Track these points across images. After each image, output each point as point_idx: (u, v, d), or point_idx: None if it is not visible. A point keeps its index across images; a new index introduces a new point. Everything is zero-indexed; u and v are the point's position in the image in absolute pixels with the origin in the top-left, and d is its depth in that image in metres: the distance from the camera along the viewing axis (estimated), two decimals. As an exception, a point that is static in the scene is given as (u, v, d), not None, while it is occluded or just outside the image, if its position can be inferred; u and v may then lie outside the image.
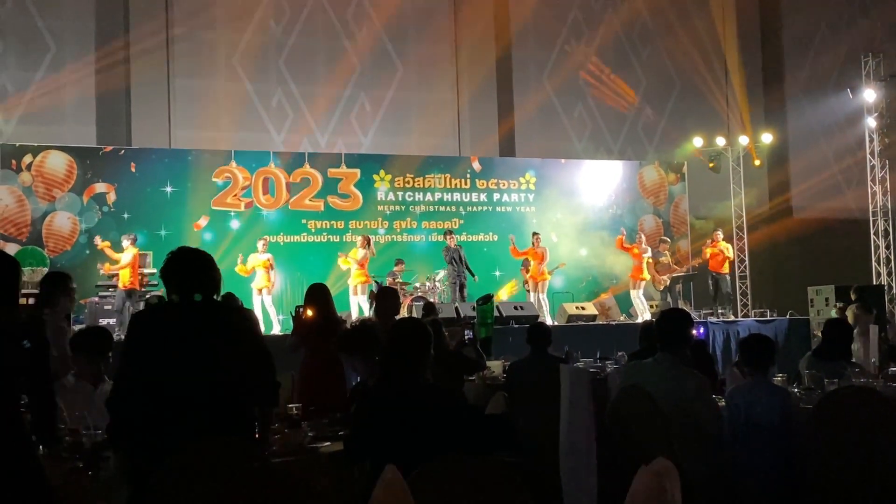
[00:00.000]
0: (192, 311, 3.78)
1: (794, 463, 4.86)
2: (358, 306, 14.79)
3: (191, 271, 3.85)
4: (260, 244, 14.79)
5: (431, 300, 14.98)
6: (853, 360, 6.70)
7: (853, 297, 12.53)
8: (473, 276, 15.30)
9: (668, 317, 5.28)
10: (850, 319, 10.44)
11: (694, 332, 5.73)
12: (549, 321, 15.17)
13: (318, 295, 6.82)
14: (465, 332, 10.45)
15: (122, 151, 15.86)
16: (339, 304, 14.37)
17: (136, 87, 16.58)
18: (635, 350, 7.06)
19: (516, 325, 13.04)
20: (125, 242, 13.94)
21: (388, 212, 17.16)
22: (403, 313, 14.60)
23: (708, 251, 16.38)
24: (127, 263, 13.66)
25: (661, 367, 4.86)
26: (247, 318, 4.10)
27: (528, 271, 15.99)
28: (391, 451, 3.39)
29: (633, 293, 15.99)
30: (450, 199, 17.57)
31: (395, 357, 3.90)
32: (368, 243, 15.09)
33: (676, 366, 4.88)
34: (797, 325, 15.21)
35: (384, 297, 6.98)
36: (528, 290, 15.95)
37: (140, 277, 13.95)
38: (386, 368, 3.99)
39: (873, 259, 18.70)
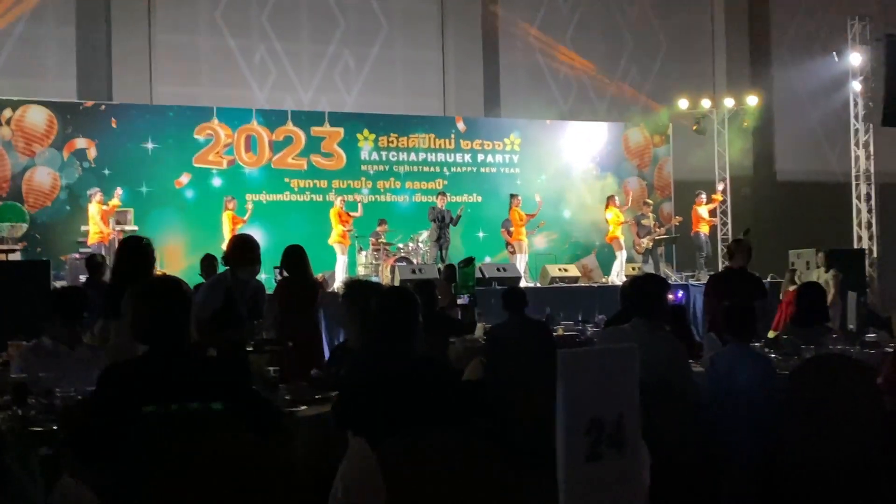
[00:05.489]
0: (176, 371, 3.38)
1: (772, 430, 4.89)
2: (344, 265, 14.79)
3: (169, 313, 3.47)
4: (230, 204, 14.70)
5: (415, 261, 15.02)
6: (829, 324, 6.72)
7: (818, 263, 12.47)
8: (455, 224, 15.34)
9: (641, 282, 5.28)
10: (830, 284, 10.50)
11: (671, 296, 5.74)
12: (530, 283, 15.23)
13: (295, 257, 6.79)
14: (463, 293, 10.48)
15: (103, 107, 15.67)
16: (327, 263, 14.46)
17: (118, 42, 16.36)
18: (616, 312, 7.07)
19: (499, 287, 13.05)
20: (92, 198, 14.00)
21: (371, 171, 17.07)
22: (386, 274, 14.62)
23: (704, 209, 16.49)
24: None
25: (637, 333, 4.86)
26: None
27: (509, 233, 16.01)
28: (376, 420, 3.40)
29: (618, 254, 16.04)
30: (434, 160, 17.49)
31: (382, 326, 3.89)
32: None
33: (652, 332, 4.88)
34: (778, 287, 15.28)
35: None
36: (512, 252, 15.96)
37: (116, 234, 13.94)
38: (373, 336, 3.98)
39: (855, 223, 18.79)
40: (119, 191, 14.45)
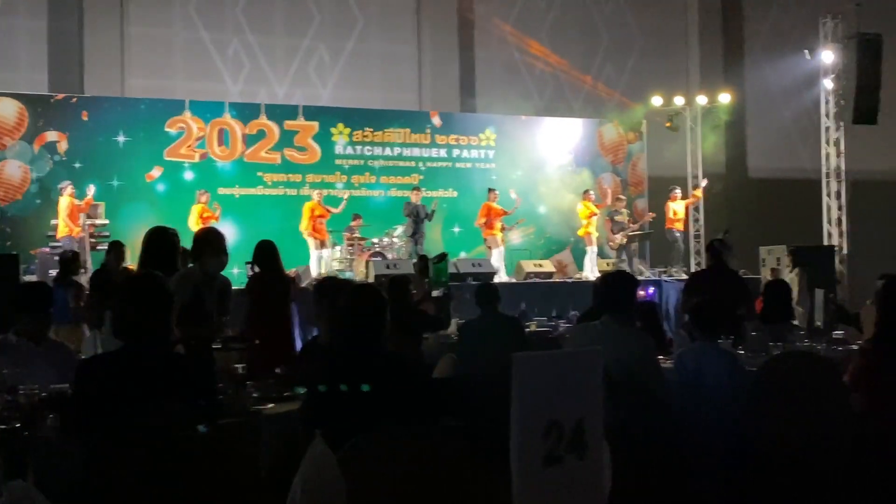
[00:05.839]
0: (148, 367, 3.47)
1: (739, 426, 4.93)
2: (318, 260, 14.75)
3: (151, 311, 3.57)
4: (203, 197, 14.59)
5: (390, 256, 15.00)
6: (795, 321, 6.78)
7: (788, 259, 12.56)
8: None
9: (610, 280, 5.32)
10: (794, 282, 10.56)
11: (641, 293, 5.78)
12: (505, 278, 15.26)
13: (267, 252, 6.76)
14: (437, 289, 10.46)
15: (75, 99, 15.52)
16: (301, 258, 14.40)
17: (90, 34, 16.20)
18: (588, 307, 7.09)
19: (474, 283, 13.04)
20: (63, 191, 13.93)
21: (346, 166, 17.01)
22: (361, 269, 14.59)
23: (680, 206, 16.61)
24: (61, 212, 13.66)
25: (607, 330, 4.89)
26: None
27: (489, 227, 15.96)
28: (342, 419, 3.39)
29: (588, 249, 16.10)
30: (409, 155, 17.46)
31: (349, 323, 3.88)
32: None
33: (622, 328, 4.91)
34: (748, 283, 15.37)
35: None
36: (489, 248, 15.93)
37: (86, 229, 13.85)
38: (341, 334, 3.97)
39: (825, 220, 18.95)
40: (92, 188, 14.27)
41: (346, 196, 15.86)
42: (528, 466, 2.26)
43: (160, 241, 5.49)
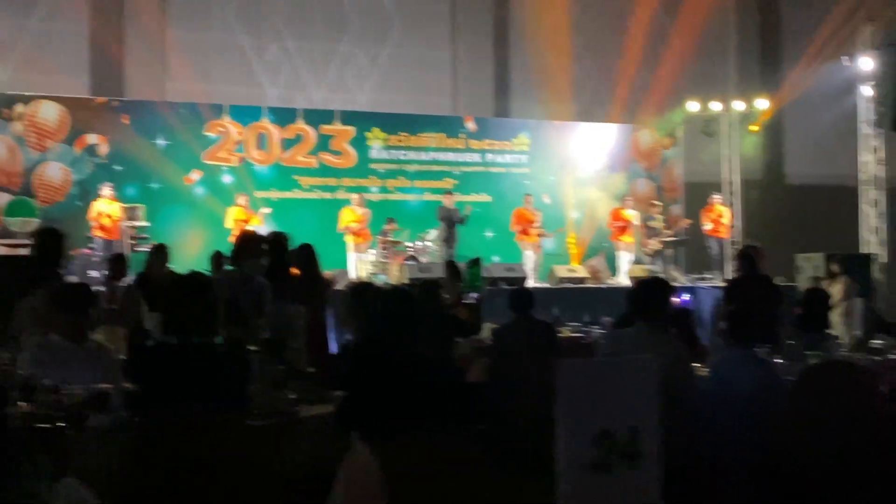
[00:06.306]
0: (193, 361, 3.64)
1: (774, 436, 4.89)
2: (355, 264, 14.83)
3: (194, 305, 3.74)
4: (242, 200, 14.81)
5: (423, 260, 15.03)
6: (831, 331, 6.72)
7: (836, 268, 12.42)
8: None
9: (645, 286, 5.30)
10: (839, 291, 10.45)
11: (675, 299, 5.76)
12: (536, 283, 15.23)
13: (305, 255, 6.82)
14: (470, 293, 10.48)
15: (115, 103, 15.73)
16: (336, 261, 14.49)
17: (131, 38, 16.41)
18: (622, 313, 7.07)
19: (507, 287, 13.05)
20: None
21: (381, 170, 17.10)
22: (394, 273, 14.64)
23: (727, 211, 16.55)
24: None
25: (641, 336, 4.88)
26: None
27: (524, 233, 15.97)
28: (378, 421, 3.42)
29: (619, 255, 16.07)
30: (443, 159, 17.51)
31: (382, 326, 3.92)
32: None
33: (655, 335, 4.90)
34: (785, 292, 15.23)
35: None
36: (525, 251, 15.96)
37: (125, 230, 14.04)
38: (374, 337, 4.01)
39: (863, 228, 18.73)
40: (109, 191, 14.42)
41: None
42: (575, 472, 2.28)
43: (281, 247, 6.10)
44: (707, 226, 16.60)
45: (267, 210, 15.00)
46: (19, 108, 15.00)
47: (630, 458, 2.39)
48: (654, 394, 2.49)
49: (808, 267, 15.42)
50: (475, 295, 10.78)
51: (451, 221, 15.22)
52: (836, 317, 11.33)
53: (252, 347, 5.27)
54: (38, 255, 5.92)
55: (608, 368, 2.48)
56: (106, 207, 13.99)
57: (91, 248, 13.92)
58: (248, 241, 5.95)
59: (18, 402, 3.97)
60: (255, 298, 5.74)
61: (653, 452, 2.45)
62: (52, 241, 5.94)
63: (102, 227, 13.86)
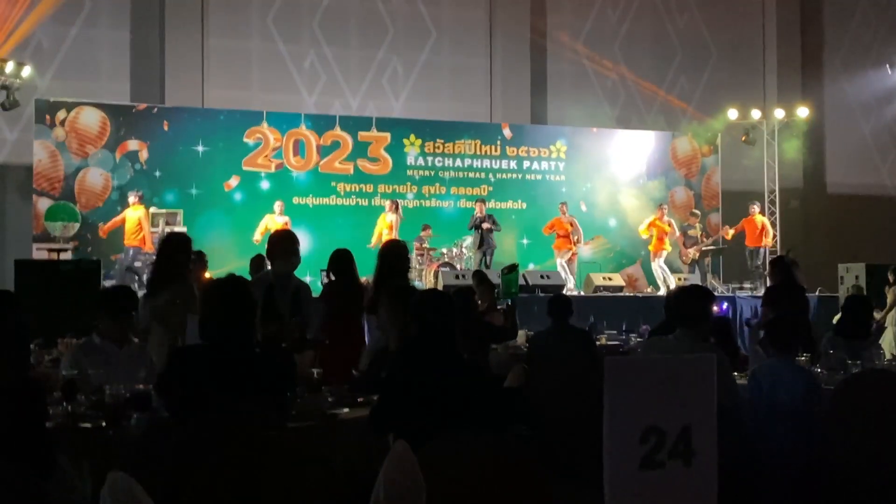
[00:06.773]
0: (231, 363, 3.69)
1: (815, 445, 4.83)
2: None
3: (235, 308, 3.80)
4: (277, 206, 14.96)
5: (458, 266, 15.04)
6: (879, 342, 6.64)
7: (892, 277, 12.25)
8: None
9: (686, 294, 5.26)
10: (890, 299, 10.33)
11: (715, 308, 5.71)
12: (574, 291, 15.18)
13: (342, 261, 6.83)
14: (504, 300, 10.47)
15: (156, 109, 15.93)
16: (372, 267, 14.49)
17: (171, 46, 16.61)
18: (660, 322, 7.03)
19: (542, 294, 13.02)
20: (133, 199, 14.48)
21: (417, 177, 17.15)
22: (429, 279, 14.67)
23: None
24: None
25: (680, 345, 4.85)
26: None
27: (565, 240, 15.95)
28: (414, 424, 3.42)
29: (654, 263, 15.97)
30: (479, 166, 17.52)
31: (420, 329, 3.93)
32: (397, 208, 15.22)
33: (695, 343, 4.86)
34: (826, 302, 15.05)
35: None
36: (561, 259, 15.93)
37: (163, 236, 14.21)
38: (411, 340, 4.02)
39: (906, 238, 18.46)
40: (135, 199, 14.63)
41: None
42: (622, 470, 2.26)
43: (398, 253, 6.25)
44: (745, 235, 16.47)
45: (285, 219, 15.08)
46: (61, 114, 15.23)
47: (682, 456, 2.36)
48: (710, 393, 2.45)
49: (850, 277, 15.21)
50: (509, 301, 10.77)
51: (480, 229, 15.28)
52: (889, 324, 11.26)
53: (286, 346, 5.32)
54: (163, 260, 6.05)
55: (656, 366, 2.45)
56: (133, 214, 14.18)
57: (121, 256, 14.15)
58: (280, 239, 5.98)
59: (62, 403, 4.03)
60: (293, 298, 5.77)
61: (707, 452, 2.41)
62: (176, 246, 6.06)
63: (131, 234, 14.03)
